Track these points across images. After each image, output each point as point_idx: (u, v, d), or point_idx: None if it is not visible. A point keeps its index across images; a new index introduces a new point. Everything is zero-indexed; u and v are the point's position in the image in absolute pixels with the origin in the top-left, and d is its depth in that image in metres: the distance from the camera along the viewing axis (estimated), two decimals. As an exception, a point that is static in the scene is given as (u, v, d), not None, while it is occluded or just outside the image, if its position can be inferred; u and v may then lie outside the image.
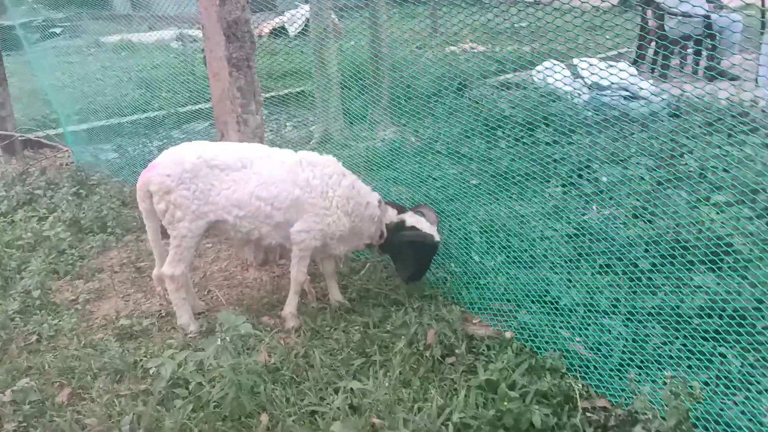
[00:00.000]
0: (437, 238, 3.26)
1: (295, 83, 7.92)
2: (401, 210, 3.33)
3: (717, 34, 6.47)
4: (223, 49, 3.71)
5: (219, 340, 2.76)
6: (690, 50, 6.99)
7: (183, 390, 2.65)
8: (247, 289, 3.65)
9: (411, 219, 3.26)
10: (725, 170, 3.77)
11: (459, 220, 3.85)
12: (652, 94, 5.16)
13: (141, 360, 2.97)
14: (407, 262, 3.24)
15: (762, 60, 5.06)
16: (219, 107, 3.88)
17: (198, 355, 2.81)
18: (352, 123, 6.05)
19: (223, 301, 3.53)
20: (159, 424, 2.51)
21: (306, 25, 9.93)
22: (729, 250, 3.05)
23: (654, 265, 3.11)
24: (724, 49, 6.28)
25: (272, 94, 7.74)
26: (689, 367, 2.52)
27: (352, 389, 2.59)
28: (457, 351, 2.85)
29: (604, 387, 2.57)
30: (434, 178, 4.51)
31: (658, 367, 2.57)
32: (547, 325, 2.93)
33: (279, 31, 11.12)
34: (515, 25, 7.35)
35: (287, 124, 6.77)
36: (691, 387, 2.15)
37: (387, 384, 2.62)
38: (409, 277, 3.31)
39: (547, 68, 5.62)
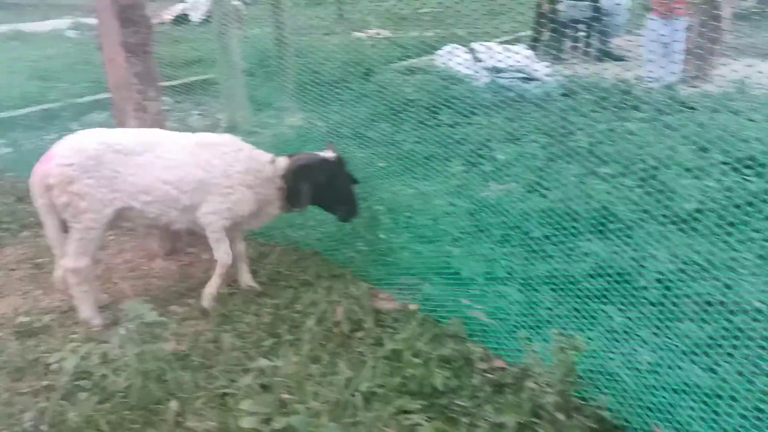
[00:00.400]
0: (329, 156, 3.27)
1: (200, 71, 7.76)
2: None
3: (604, 17, 6.89)
4: (118, 34, 3.61)
5: (124, 329, 2.73)
6: (581, 33, 7.40)
7: (88, 382, 2.61)
8: (154, 279, 3.60)
9: (301, 154, 3.28)
10: (611, 144, 4.06)
11: (366, 200, 3.94)
12: (547, 75, 5.45)
13: (42, 356, 2.88)
14: (308, 192, 3.19)
15: (644, 41, 5.43)
16: (117, 94, 3.78)
17: (102, 347, 2.77)
18: (259, 110, 6.02)
19: (129, 292, 3.46)
20: (63, 419, 2.45)
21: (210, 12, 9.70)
22: (613, 217, 3.31)
23: (546, 234, 3.33)
24: (611, 31, 6.70)
25: (177, 82, 7.55)
26: (578, 326, 2.73)
27: (262, 368, 2.63)
28: (365, 325, 2.95)
29: (501, 349, 2.75)
30: (342, 162, 4.58)
31: (551, 328, 2.77)
32: (449, 295, 3.08)
33: (182, 18, 10.81)
34: (418, 10, 7.51)
35: (193, 112, 6.63)
36: (575, 341, 2.33)
37: (296, 361, 2.68)
38: (345, 214, 3.36)
39: (448, 52, 5.81)
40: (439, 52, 5.94)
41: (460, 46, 5.83)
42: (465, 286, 3.11)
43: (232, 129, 5.67)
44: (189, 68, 8.14)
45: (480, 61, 5.67)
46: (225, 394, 2.56)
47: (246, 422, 2.28)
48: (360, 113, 5.37)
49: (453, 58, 5.70)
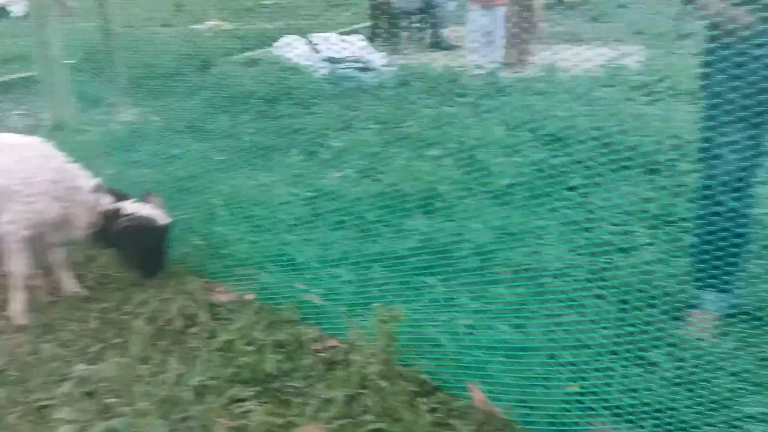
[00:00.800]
0: (162, 221, 3.10)
1: (22, 68, 7.15)
2: (122, 197, 3.08)
3: (435, 8, 7.23)
4: None
5: None
6: (414, 23, 7.68)
7: None
8: (-37, 294, 3.29)
9: (130, 206, 3.03)
10: (437, 129, 4.31)
11: (203, 195, 3.87)
12: (383, 65, 5.63)
13: None
14: (132, 251, 3.06)
15: (468, 34, 5.78)
16: None
17: None
18: (90, 107, 5.68)
19: (-67, 311, 3.14)
20: None
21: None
22: (437, 195, 3.53)
23: (378, 216, 3.47)
24: (442, 22, 7.06)
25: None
26: (405, 298, 2.88)
27: (83, 375, 2.52)
28: (199, 320, 2.90)
29: (335, 328, 2.83)
30: (178, 157, 4.46)
31: (381, 303, 2.90)
32: (285, 282, 3.12)
33: (1, 12, 9.88)
34: (260, 2, 7.47)
35: (14, 112, 6.11)
36: (394, 313, 2.47)
37: (124, 363, 2.59)
38: (147, 272, 3.17)
39: (287, 44, 5.82)
40: (278, 43, 5.93)
41: (298, 37, 5.86)
42: (301, 271, 3.17)
43: (58, 128, 5.29)
44: (9, 65, 7.48)
45: (318, 51, 5.74)
46: (44, 406, 2.42)
47: (63, 431, 2.18)
48: (198, 106, 5.26)
49: (291, 49, 5.72)
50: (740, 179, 2.32)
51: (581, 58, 4.52)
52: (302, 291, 3.03)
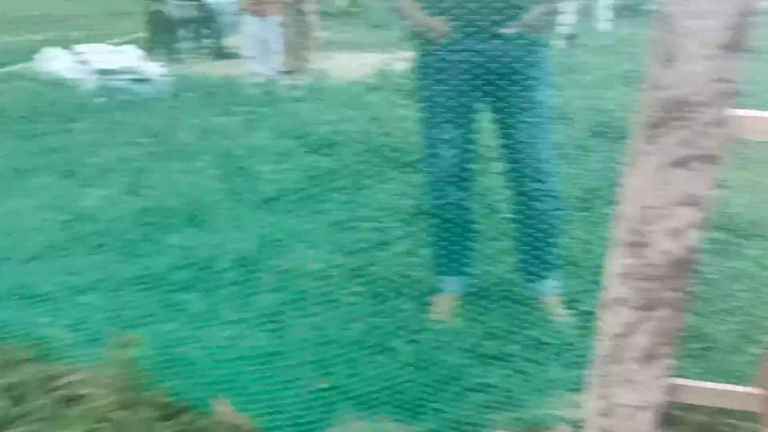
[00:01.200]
0: None
1: None
2: None
3: (213, 16, 7.09)
4: None
5: None
6: (192, 32, 7.45)
7: None
8: None
9: None
10: (208, 139, 4.20)
11: None
12: (159, 75, 5.38)
13: None
14: None
15: (244, 42, 5.74)
16: None
17: None
18: None
19: None
20: None
21: None
22: (203, 207, 3.43)
23: (141, 234, 3.29)
24: (222, 30, 6.95)
25: None
26: (162, 318, 2.74)
27: None
28: None
29: (79, 362, 2.60)
30: None
31: (136, 327, 2.73)
32: (25, 316, 2.82)
33: None
34: (28, 12, 6.83)
35: None
36: (129, 338, 2.33)
37: None
38: None
39: (50, 57, 5.34)
40: (40, 56, 5.43)
41: (63, 49, 5.41)
42: (46, 303, 2.89)
43: None
44: None
45: (86, 64, 5.33)
46: None
47: None
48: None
49: (56, 62, 5.26)
50: (458, 173, 2.48)
51: (357, 64, 4.65)
52: (44, 325, 2.76)
